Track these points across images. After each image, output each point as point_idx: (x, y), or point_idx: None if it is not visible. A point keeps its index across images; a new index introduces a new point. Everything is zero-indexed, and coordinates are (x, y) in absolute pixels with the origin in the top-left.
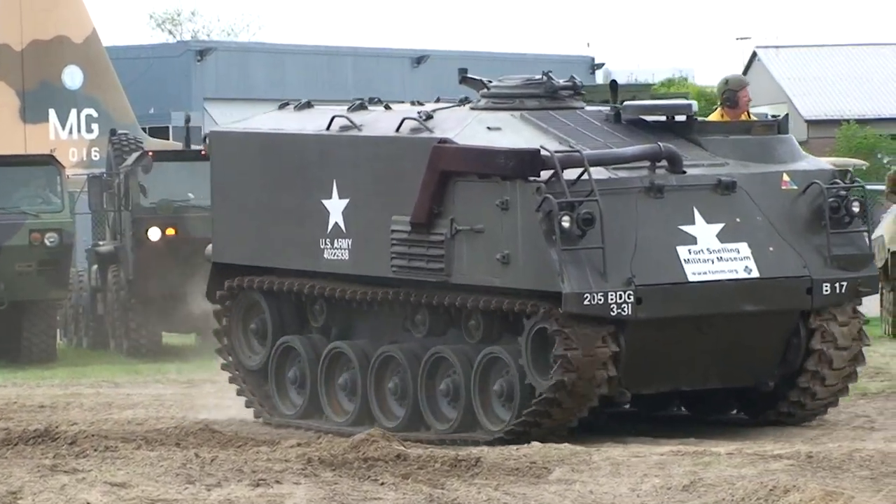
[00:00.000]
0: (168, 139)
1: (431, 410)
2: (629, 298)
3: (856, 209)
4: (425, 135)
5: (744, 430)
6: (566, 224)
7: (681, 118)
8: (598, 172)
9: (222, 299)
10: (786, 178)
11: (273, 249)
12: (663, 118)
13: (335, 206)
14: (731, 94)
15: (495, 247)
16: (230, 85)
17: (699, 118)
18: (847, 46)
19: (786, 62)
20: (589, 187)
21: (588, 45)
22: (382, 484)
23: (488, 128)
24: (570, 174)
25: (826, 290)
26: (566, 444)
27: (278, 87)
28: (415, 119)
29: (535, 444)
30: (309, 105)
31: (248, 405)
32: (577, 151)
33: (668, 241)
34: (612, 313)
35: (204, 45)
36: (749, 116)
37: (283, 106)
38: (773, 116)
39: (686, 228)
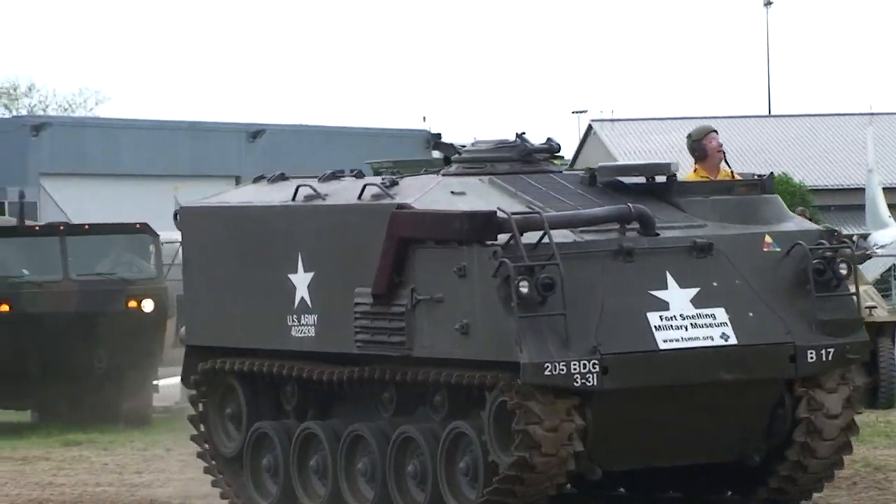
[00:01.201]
0: (3, 214)
1: (400, 493)
2: (594, 368)
3: (843, 271)
4: (385, 201)
5: None
6: (524, 289)
7: (661, 179)
8: (562, 236)
9: (197, 384)
10: (768, 239)
11: (244, 329)
12: (642, 180)
13: (301, 281)
14: (696, 144)
15: (454, 316)
16: (66, 160)
17: (679, 179)
18: (680, 119)
19: (620, 135)
20: (550, 251)
21: (424, 118)
22: None
23: (452, 192)
24: (532, 238)
25: (811, 357)
26: None
27: (114, 162)
28: (377, 186)
29: None
30: (283, 177)
31: (223, 496)
32: (537, 213)
33: (638, 306)
34: (575, 384)
35: (39, 119)
36: (733, 174)
37: (257, 179)
38: (759, 176)
39: (657, 293)
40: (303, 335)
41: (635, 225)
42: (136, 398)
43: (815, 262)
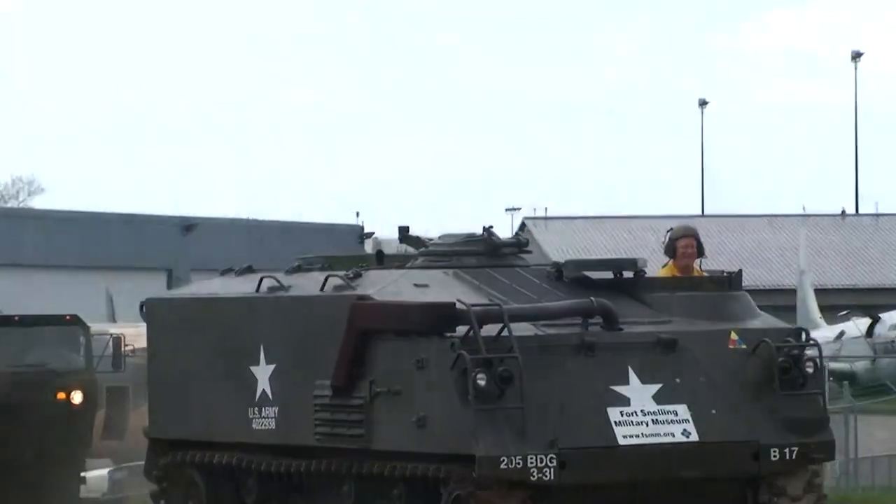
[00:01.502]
0: None
1: None
2: (552, 462)
3: (809, 370)
4: (347, 292)
5: None
6: (481, 382)
7: (628, 274)
8: (524, 329)
9: (159, 479)
10: (733, 336)
11: (205, 421)
12: (609, 275)
13: (262, 373)
14: (670, 243)
15: (412, 408)
16: None
17: (646, 275)
18: (612, 218)
19: (554, 232)
20: (509, 343)
21: (357, 214)
22: None
23: (415, 285)
24: (492, 330)
25: (775, 456)
26: None
27: (48, 253)
28: (340, 277)
29: None
30: (250, 270)
31: None
32: (497, 305)
33: (598, 401)
34: (532, 478)
35: None
36: (700, 271)
37: (225, 272)
38: (727, 273)
39: (619, 389)
40: (264, 427)
41: (598, 319)
42: (63, 489)
43: (780, 360)
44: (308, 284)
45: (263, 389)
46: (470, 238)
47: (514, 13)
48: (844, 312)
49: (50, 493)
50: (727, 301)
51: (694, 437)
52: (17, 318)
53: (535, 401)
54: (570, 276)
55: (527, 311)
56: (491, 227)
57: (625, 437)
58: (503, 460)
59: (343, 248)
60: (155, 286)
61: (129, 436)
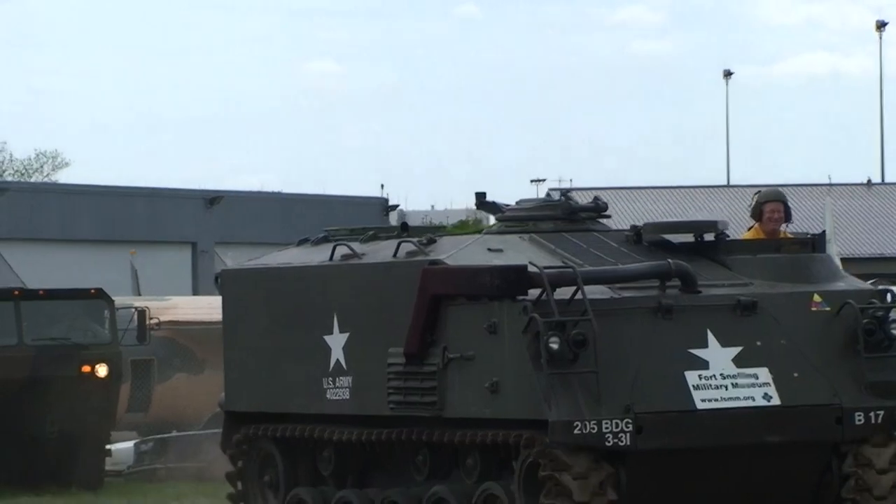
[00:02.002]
0: None
1: None
2: (627, 427)
3: (895, 332)
4: (419, 258)
5: None
6: (555, 346)
7: (709, 237)
8: (599, 292)
9: (235, 452)
10: (816, 298)
11: (281, 393)
12: (690, 238)
13: (336, 342)
14: (757, 206)
15: (485, 374)
16: (22, 225)
17: (728, 237)
18: (637, 189)
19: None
20: (583, 307)
21: (382, 186)
22: None
23: (489, 249)
24: (565, 293)
25: (859, 420)
26: None
27: (70, 227)
28: (412, 243)
29: None
30: (326, 239)
31: None
32: (571, 268)
33: (676, 365)
34: (607, 443)
35: None
36: (787, 234)
37: (301, 242)
38: (812, 235)
39: (697, 352)
40: (338, 398)
41: (676, 282)
42: (88, 462)
43: (865, 322)
44: (381, 251)
45: (337, 359)
46: (546, 202)
47: None
48: (872, 281)
49: (75, 467)
50: (810, 263)
51: (776, 400)
52: (41, 291)
53: (609, 365)
54: (648, 239)
55: (601, 274)
56: (568, 191)
57: (703, 401)
58: (577, 425)
59: (368, 221)
60: (179, 260)
61: (153, 409)
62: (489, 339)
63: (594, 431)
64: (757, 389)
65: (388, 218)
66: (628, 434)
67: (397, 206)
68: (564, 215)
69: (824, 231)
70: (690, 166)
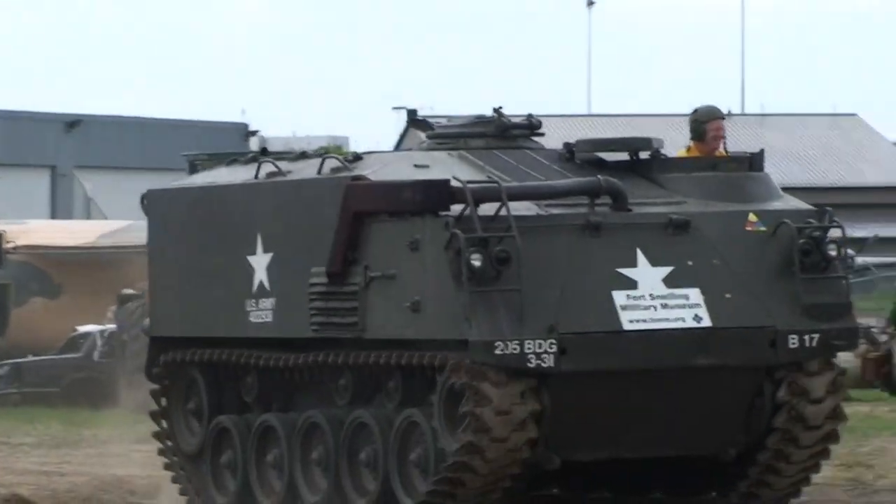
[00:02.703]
0: None
1: (353, 484)
2: (551, 348)
3: (832, 252)
4: (343, 174)
5: None
6: (476, 263)
7: (645, 156)
8: (525, 208)
9: (159, 378)
10: (752, 217)
11: (205, 317)
12: (624, 156)
13: (260, 263)
14: (698, 125)
15: (406, 293)
16: None
17: (664, 156)
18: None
19: None
20: (507, 223)
21: (243, 111)
22: None
23: (415, 165)
24: (491, 210)
25: (793, 343)
26: None
27: None
28: (337, 159)
29: None
30: (255, 159)
31: (181, 493)
32: (495, 183)
33: (603, 284)
34: (529, 364)
35: None
36: (722, 153)
37: (230, 161)
38: (750, 154)
39: (626, 271)
40: (261, 321)
41: (607, 200)
42: None
43: (801, 242)
44: (306, 169)
45: (261, 280)
46: (478, 119)
47: None
48: None
49: None
50: (747, 182)
51: (706, 322)
52: None
53: (534, 283)
54: (581, 156)
55: (528, 190)
56: (500, 107)
57: (631, 321)
58: (498, 345)
59: (229, 147)
60: (38, 184)
61: (10, 333)
62: (411, 256)
63: (516, 352)
64: (687, 310)
65: (249, 143)
66: (552, 355)
67: (257, 131)
68: (496, 133)
69: (762, 150)
70: (550, 96)
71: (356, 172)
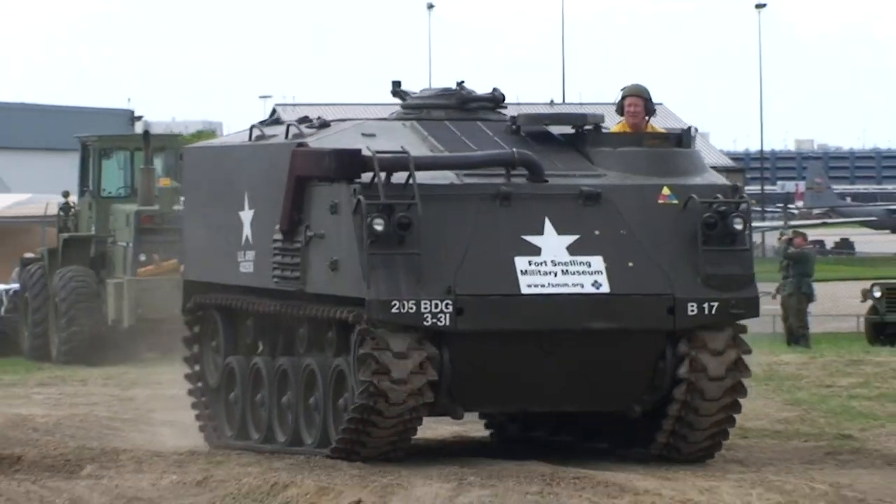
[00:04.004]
0: None
1: (307, 426)
2: (447, 308)
3: (737, 227)
4: (294, 140)
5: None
6: (379, 227)
7: (589, 128)
8: (442, 177)
9: (190, 318)
10: (665, 191)
11: (216, 264)
12: (568, 129)
13: (246, 218)
14: (619, 102)
15: (329, 253)
16: None
17: (605, 130)
18: (361, 106)
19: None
20: (414, 191)
21: (129, 99)
22: None
23: (363, 134)
24: (401, 178)
25: (692, 311)
26: (97, 445)
27: None
28: (296, 126)
29: (71, 444)
30: (277, 122)
31: (201, 430)
32: (405, 154)
33: (506, 251)
34: (426, 323)
35: None
36: (655, 129)
37: (253, 126)
38: (681, 130)
39: (530, 239)
40: (247, 271)
41: (524, 171)
42: None
43: (706, 215)
44: (281, 134)
45: (246, 235)
46: (443, 91)
47: None
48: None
49: None
50: (670, 157)
51: (605, 288)
52: None
53: (436, 248)
54: (526, 129)
55: (438, 160)
56: (463, 81)
57: (529, 286)
58: (395, 304)
59: (116, 130)
60: None
61: None
62: (333, 219)
63: (412, 311)
64: (587, 277)
65: (134, 127)
66: (448, 315)
67: (141, 116)
68: (457, 104)
69: (692, 126)
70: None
71: (303, 140)
